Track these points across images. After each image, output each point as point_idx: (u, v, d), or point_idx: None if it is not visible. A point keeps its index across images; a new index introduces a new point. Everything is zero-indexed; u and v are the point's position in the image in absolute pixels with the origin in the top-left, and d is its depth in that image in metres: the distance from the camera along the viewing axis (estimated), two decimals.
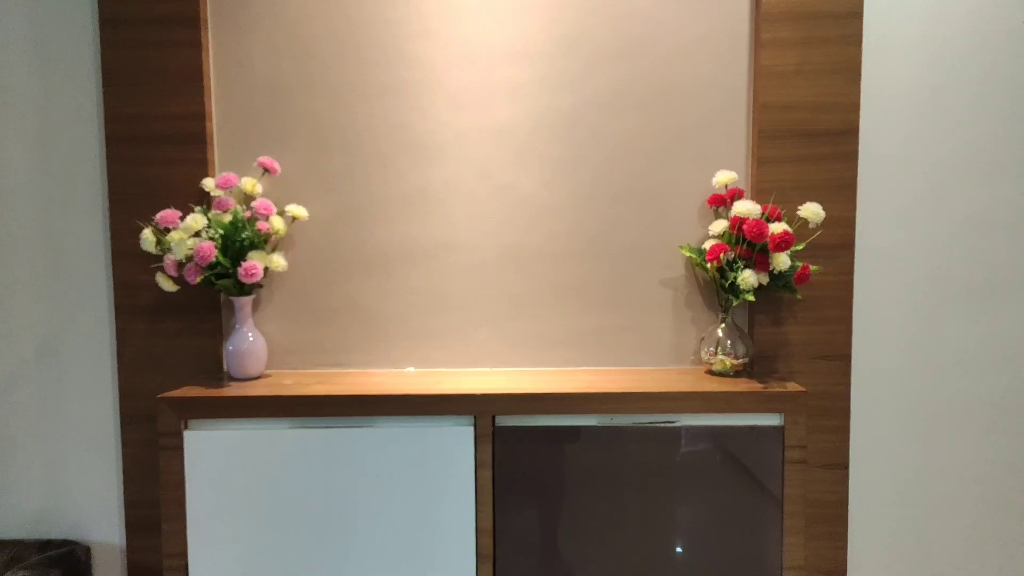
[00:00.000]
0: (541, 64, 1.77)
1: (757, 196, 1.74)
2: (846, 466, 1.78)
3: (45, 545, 1.80)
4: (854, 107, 1.73)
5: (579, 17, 1.76)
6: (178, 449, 1.57)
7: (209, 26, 1.76)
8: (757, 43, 1.73)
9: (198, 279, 1.62)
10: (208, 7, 1.76)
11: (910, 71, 1.77)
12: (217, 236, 1.63)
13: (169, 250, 1.62)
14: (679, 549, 1.60)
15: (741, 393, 1.57)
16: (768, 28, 1.71)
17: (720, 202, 1.72)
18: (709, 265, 1.67)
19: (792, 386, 1.61)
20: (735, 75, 1.76)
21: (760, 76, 1.73)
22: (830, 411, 1.77)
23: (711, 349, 1.72)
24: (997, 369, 1.81)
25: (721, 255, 1.64)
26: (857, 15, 1.71)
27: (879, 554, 1.84)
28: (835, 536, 1.79)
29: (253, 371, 1.72)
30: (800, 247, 1.66)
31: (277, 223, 1.69)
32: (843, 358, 1.77)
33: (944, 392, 1.82)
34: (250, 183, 1.72)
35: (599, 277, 1.80)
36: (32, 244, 1.81)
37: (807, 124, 1.72)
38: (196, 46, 1.73)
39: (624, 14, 1.76)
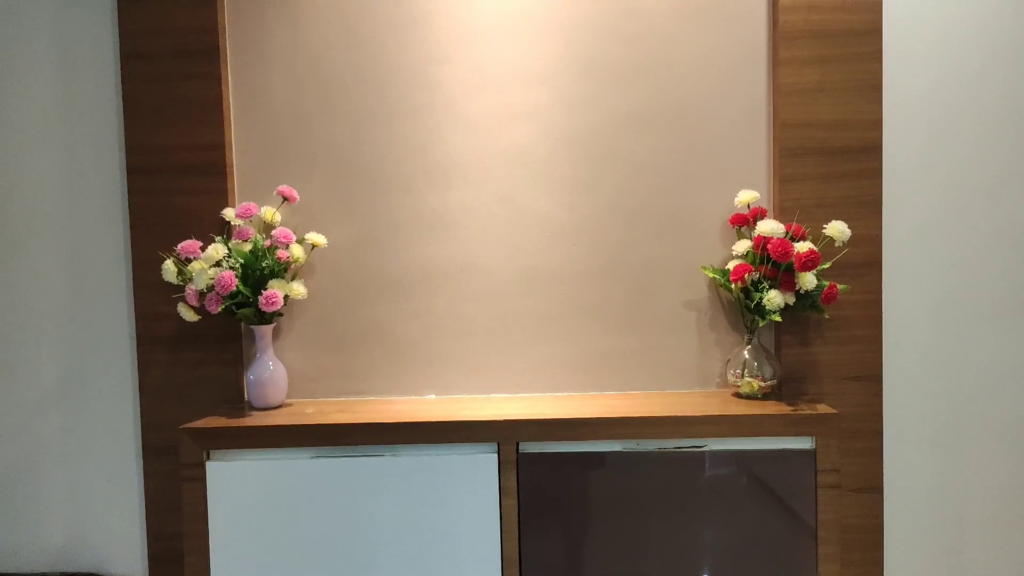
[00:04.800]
0: (558, 86, 1.77)
1: (780, 215, 1.72)
2: (880, 490, 1.74)
3: None
4: (876, 124, 1.71)
5: (594, 38, 1.76)
6: (200, 480, 1.56)
7: (228, 58, 1.78)
8: (776, 61, 1.72)
9: (219, 308, 1.62)
10: (227, 39, 1.78)
11: (932, 86, 1.75)
12: (237, 265, 1.64)
13: (190, 280, 1.63)
14: None
15: (770, 416, 1.54)
16: (786, 46, 1.70)
17: (743, 222, 1.70)
18: (733, 286, 1.65)
19: (823, 408, 1.57)
20: (754, 94, 1.75)
21: (779, 94, 1.71)
22: (861, 433, 1.73)
23: (737, 371, 1.69)
24: None
25: (745, 275, 1.61)
26: (876, 32, 1.70)
27: None
28: (871, 562, 1.74)
29: (274, 400, 1.72)
30: (826, 266, 1.64)
31: (296, 251, 1.70)
32: (874, 378, 1.73)
33: (979, 411, 1.77)
34: (269, 212, 1.72)
35: (622, 299, 1.78)
36: (54, 275, 1.83)
37: (829, 142, 1.71)
38: (216, 78, 1.75)
39: (639, 34, 1.75)
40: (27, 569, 1.84)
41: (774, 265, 1.60)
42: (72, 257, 1.82)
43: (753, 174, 1.76)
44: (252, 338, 1.74)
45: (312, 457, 1.56)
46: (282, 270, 1.68)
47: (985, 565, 1.78)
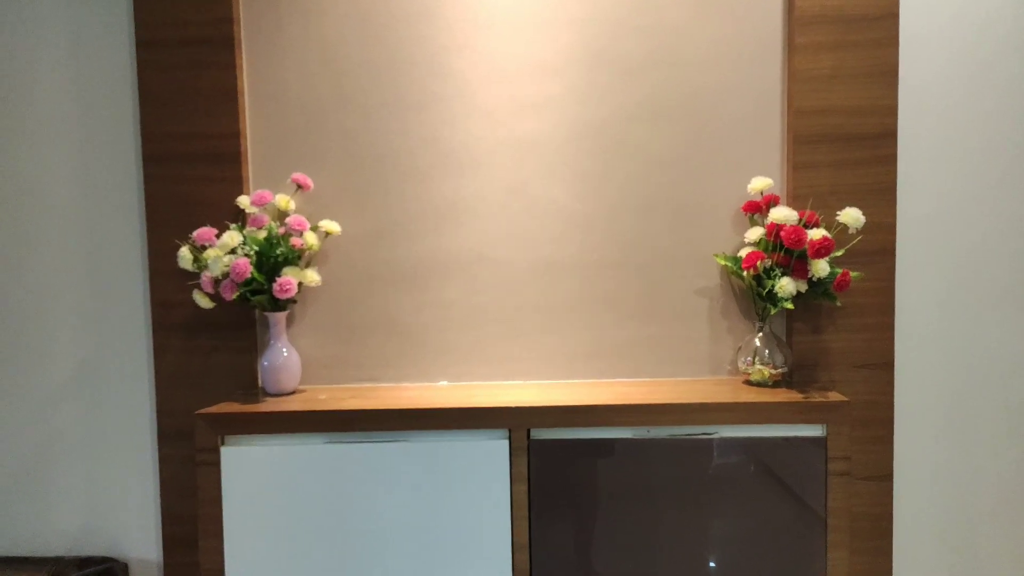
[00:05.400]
0: (570, 76, 1.77)
1: (793, 202, 1.72)
2: (890, 478, 1.73)
3: (84, 562, 1.82)
4: (891, 110, 1.70)
5: (607, 29, 1.76)
6: (215, 465, 1.57)
7: (243, 46, 1.79)
8: (791, 48, 1.71)
9: (234, 295, 1.64)
10: (242, 28, 1.78)
11: (948, 71, 1.73)
12: (252, 253, 1.65)
13: (206, 267, 1.64)
14: (718, 564, 1.56)
15: (781, 404, 1.54)
16: (802, 32, 1.69)
17: (755, 209, 1.70)
18: (745, 273, 1.65)
19: (834, 396, 1.57)
20: (768, 81, 1.74)
21: (794, 81, 1.71)
22: (873, 421, 1.73)
23: (748, 359, 1.69)
24: None
25: (758, 263, 1.61)
26: (893, 16, 1.69)
27: (926, 568, 1.79)
28: (880, 551, 1.74)
29: (288, 386, 1.73)
30: (839, 253, 1.63)
31: (311, 239, 1.71)
32: (885, 366, 1.72)
33: (991, 400, 1.77)
34: (284, 200, 1.73)
35: (633, 288, 1.79)
36: (71, 263, 1.85)
37: (844, 128, 1.70)
38: (230, 66, 1.76)
39: (653, 24, 1.75)
40: (44, 553, 1.87)
41: (787, 252, 1.60)
42: (88, 245, 1.84)
43: (767, 161, 1.75)
44: (266, 325, 1.75)
45: (325, 443, 1.57)
46: (296, 258, 1.69)
47: (995, 554, 1.78)
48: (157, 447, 1.82)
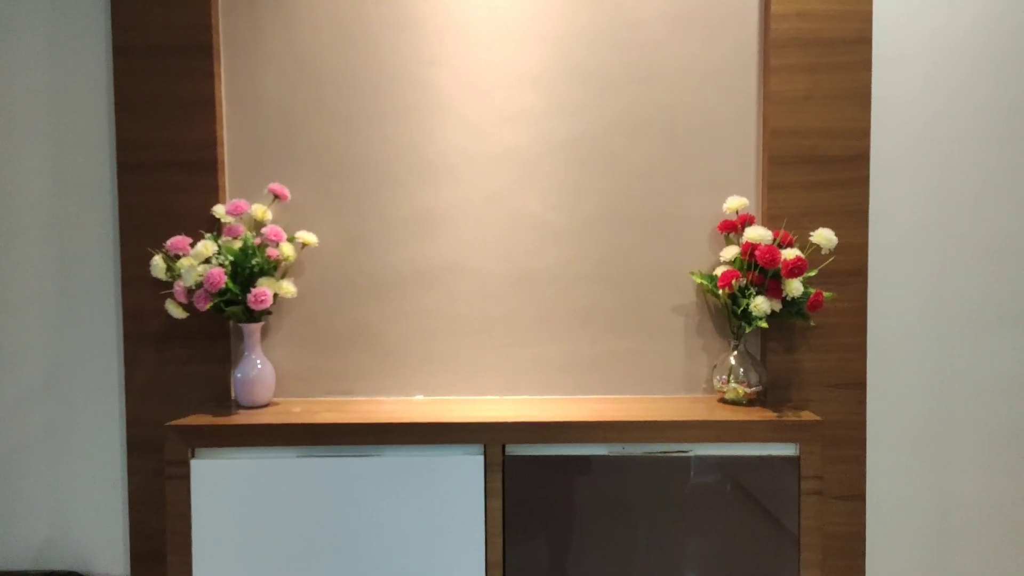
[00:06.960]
0: (549, 90, 1.78)
1: (768, 222, 1.73)
2: (863, 497, 1.75)
3: (49, 575, 1.78)
4: (864, 133, 1.73)
5: (586, 44, 1.77)
6: (185, 478, 1.55)
7: (221, 55, 1.78)
8: (766, 69, 1.74)
9: (207, 306, 1.62)
10: (220, 37, 1.77)
11: (921, 95, 1.77)
12: (227, 262, 1.63)
13: (179, 276, 1.62)
14: None
15: (755, 422, 1.55)
16: (777, 54, 1.72)
17: (731, 228, 1.71)
18: (721, 292, 1.66)
19: (807, 415, 1.59)
20: (744, 101, 1.76)
21: (769, 102, 1.73)
22: (845, 440, 1.74)
23: (723, 377, 1.70)
24: (1017, 396, 1.78)
25: (733, 281, 1.62)
26: (866, 41, 1.72)
27: None
28: (853, 570, 1.75)
29: (261, 399, 1.71)
30: (812, 273, 1.65)
31: (287, 249, 1.70)
32: (858, 386, 1.74)
33: (962, 420, 1.79)
34: (260, 210, 1.72)
35: (609, 303, 1.79)
36: (43, 270, 1.82)
37: (818, 150, 1.72)
38: (208, 75, 1.75)
39: (630, 41, 1.77)
40: (8, 566, 1.83)
41: (761, 272, 1.61)
42: (61, 252, 1.82)
43: (742, 181, 1.77)
44: (240, 336, 1.73)
45: (298, 456, 1.56)
46: (272, 268, 1.68)
47: (967, 574, 1.80)
48: (126, 459, 1.79)
